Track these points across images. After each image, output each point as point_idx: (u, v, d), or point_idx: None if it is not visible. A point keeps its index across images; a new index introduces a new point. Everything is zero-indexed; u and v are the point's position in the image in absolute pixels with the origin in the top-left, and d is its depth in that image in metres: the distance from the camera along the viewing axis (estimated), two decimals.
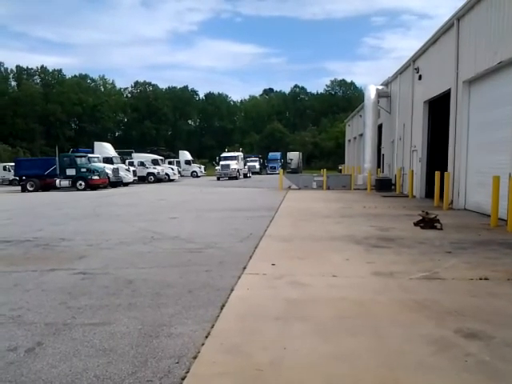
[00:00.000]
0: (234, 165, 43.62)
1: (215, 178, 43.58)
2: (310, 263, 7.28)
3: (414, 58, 21.02)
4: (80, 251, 8.51)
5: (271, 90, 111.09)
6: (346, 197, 21.08)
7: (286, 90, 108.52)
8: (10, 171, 41.59)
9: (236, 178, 42.61)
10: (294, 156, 69.70)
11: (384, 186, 24.16)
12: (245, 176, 47.31)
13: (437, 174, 16.42)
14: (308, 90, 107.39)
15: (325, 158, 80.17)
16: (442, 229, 10.60)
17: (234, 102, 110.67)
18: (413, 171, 20.77)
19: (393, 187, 24.37)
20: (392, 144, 26.26)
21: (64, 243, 9.45)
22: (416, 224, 11.09)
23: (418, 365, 3.66)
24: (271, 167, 63.35)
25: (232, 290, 5.72)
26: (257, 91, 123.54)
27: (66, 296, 5.58)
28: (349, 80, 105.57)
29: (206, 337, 4.24)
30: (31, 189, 31.67)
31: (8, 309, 5.09)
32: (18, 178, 34.76)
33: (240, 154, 47.25)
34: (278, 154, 68.42)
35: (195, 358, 3.82)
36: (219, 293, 5.60)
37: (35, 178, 31.94)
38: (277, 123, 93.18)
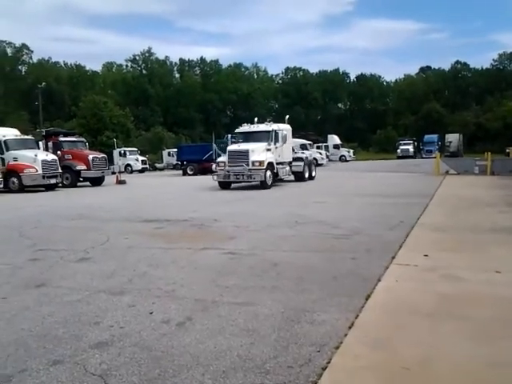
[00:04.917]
0: (259, 152, 19.49)
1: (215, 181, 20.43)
2: (468, 256, 6.57)
3: None
4: (230, 232, 8.90)
5: (429, 67, 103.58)
6: None
7: (446, 66, 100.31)
8: (173, 156, 45.55)
9: (264, 184, 19.16)
10: (453, 138, 64.19)
11: None
12: (299, 177, 23.07)
13: None
14: (471, 66, 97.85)
15: (490, 140, 72.26)
16: None
17: (386, 82, 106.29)
18: None
19: None
20: None
21: (216, 224, 10.00)
22: None
23: None
24: (427, 150, 59.21)
25: (379, 280, 5.40)
26: (412, 70, 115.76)
27: (215, 274, 5.84)
28: None
29: (350, 327, 4.05)
30: (191, 173, 34.51)
31: (164, 283, 5.50)
32: (179, 163, 38.03)
33: (282, 129, 21.25)
34: (434, 137, 63.74)
35: (337, 348, 3.65)
36: (365, 282, 5.33)
37: (194, 163, 34.67)
38: (434, 103, 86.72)
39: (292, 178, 22.88)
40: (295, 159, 23.33)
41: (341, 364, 3.44)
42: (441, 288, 5.09)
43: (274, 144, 20.33)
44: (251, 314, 4.42)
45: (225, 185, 20.08)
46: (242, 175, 19.23)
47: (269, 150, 19.84)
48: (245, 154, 19.29)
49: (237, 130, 22.42)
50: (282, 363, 3.44)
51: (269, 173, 19.45)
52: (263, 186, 19.13)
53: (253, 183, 19.90)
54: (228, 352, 3.63)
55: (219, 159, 21.13)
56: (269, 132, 20.53)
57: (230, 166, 19.52)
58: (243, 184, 20.23)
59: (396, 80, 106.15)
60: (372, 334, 3.94)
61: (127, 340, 3.89)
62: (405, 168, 32.95)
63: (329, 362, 3.43)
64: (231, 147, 20.91)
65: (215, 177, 20.22)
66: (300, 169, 23.16)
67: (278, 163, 20.39)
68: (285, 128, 21.96)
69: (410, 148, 60.14)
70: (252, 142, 20.00)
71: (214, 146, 33.94)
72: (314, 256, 6.77)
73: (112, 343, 3.83)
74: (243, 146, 19.90)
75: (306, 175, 23.73)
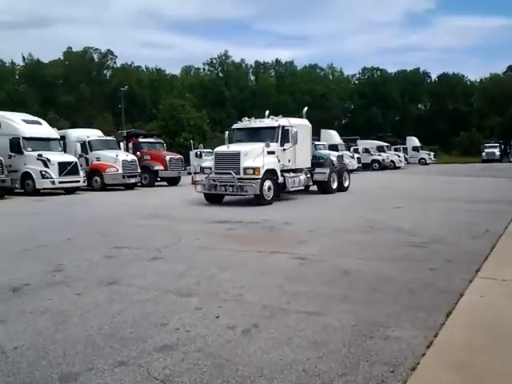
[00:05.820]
0: (254, 156, 14.41)
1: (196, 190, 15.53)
2: None
3: None
4: (300, 236, 8.70)
5: None
6: None
7: None
8: None
9: (260, 199, 14.16)
10: None
11: None
12: (323, 188, 17.81)
13: None
14: None
15: None
16: None
17: (470, 82, 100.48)
18: None
19: None
20: None
21: (287, 227, 9.85)
22: None
23: None
24: None
25: (461, 294, 4.94)
26: (500, 69, 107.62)
27: (284, 280, 5.66)
28: None
29: (428, 346, 3.69)
30: None
31: (232, 286, 5.40)
32: None
33: (292, 125, 15.69)
34: None
35: (413, 369, 3.33)
36: (445, 296, 4.91)
37: None
38: None
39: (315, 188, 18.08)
40: (316, 164, 17.63)
41: None
42: None
43: (281, 145, 15.21)
44: (320, 325, 4.19)
45: (212, 198, 15.01)
46: (231, 186, 14.17)
47: (271, 152, 14.72)
48: (235, 158, 14.43)
49: (234, 126, 16.90)
50: (351, 382, 3.18)
51: (268, 183, 14.31)
52: (259, 201, 14.10)
53: (247, 197, 14.95)
54: (294, 365, 3.43)
55: (204, 164, 16.08)
56: (274, 128, 15.42)
57: (216, 174, 14.74)
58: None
59: (481, 79, 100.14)
60: (453, 355, 3.57)
61: (192, 345, 3.81)
62: (490, 172, 30.90)
63: None
64: (219, 149, 15.73)
65: (198, 187, 15.16)
66: (324, 177, 17.42)
67: (285, 170, 15.35)
68: (298, 123, 16.31)
69: (496, 151, 56.37)
70: (250, 142, 15.11)
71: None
72: (389, 265, 6.40)
73: (177, 347, 3.77)
74: (234, 147, 15.02)
75: (334, 186, 17.98)
